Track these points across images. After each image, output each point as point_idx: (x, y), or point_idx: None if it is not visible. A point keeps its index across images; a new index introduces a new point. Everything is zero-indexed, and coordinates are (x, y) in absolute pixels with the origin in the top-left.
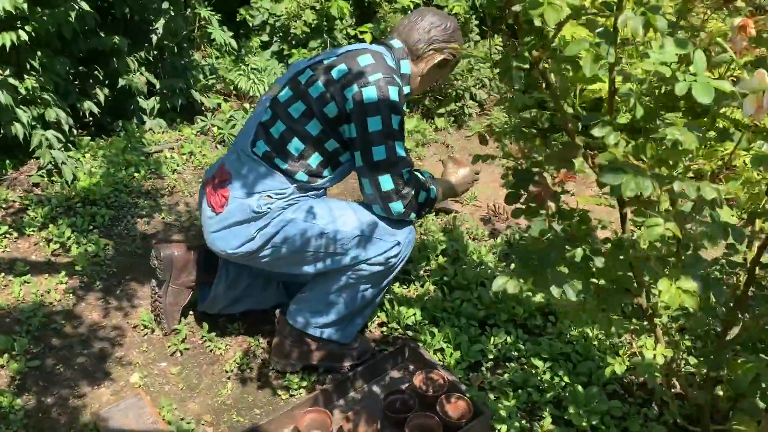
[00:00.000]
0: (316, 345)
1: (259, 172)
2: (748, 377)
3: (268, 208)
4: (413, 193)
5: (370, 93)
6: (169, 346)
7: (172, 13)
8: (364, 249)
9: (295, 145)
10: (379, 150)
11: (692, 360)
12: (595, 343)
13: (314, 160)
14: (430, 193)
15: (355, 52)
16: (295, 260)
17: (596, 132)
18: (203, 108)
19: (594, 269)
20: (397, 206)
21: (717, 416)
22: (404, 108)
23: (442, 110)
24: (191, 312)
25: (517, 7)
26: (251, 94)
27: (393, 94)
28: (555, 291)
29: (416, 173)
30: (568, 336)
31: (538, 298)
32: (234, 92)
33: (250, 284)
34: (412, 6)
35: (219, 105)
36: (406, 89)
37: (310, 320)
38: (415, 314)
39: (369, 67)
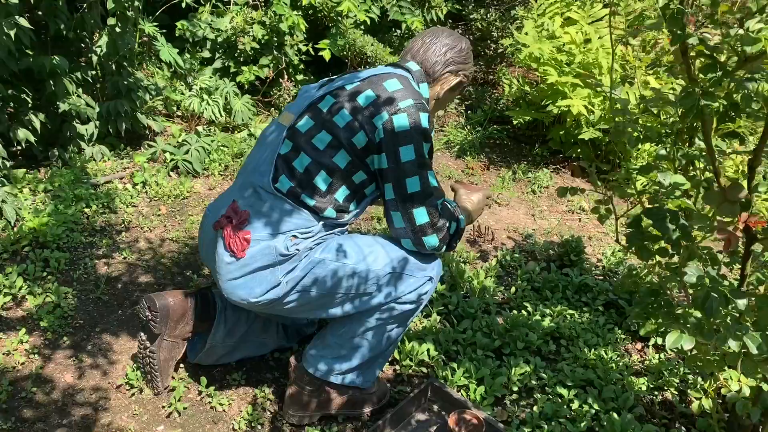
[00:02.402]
0: (336, 392)
1: (284, 209)
2: None
3: (296, 249)
4: (447, 225)
5: (401, 120)
6: (163, 407)
7: (118, 30)
8: (395, 287)
9: (323, 178)
10: (413, 181)
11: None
12: (612, 365)
13: (341, 194)
14: (460, 224)
15: (380, 77)
16: (322, 303)
17: None
18: (149, 132)
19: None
20: (431, 240)
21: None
22: (432, 133)
23: None
24: (182, 364)
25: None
26: (205, 116)
27: (424, 120)
28: (734, 344)
29: (447, 203)
30: (585, 360)
31: (547, 322)
32: (179, 114)
33: (249, 329)
34: (368, 21)
35: (165, 128)
36: None
37: (332, 367)
38: (428, 349)
39: (398, 93)
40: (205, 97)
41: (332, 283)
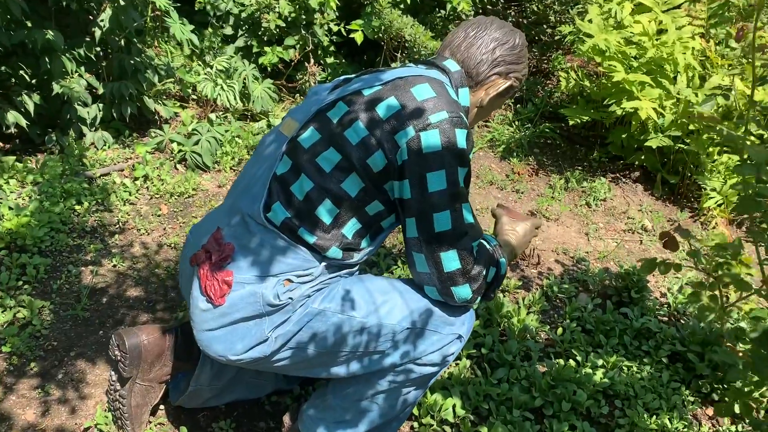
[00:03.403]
0: None
1: (276, 246)
2: None
3: (289, 298)
4: (484, 273)
5: (432, 139)
6: None
7: (122, 2)
8: (414, 345)
9: (328, 208)
10: (442, 217)
11: None
12: None
13: (350, 228)
14: (501, 269)
15: (407, 81)
16: (322, 362)
17: None
18: (158, 118)
19: None
20: (463, 291)
21: None
22: (471, 155)
23: None
24: (162, 406)
25: None
26: (219, 102)
27: (461, 139)
28: None
29: (484, 243)
30: (644, 429)
31: (599, 376)
32: (194, 98)
33: (241, 370)
34: (408, 0)
35: (176, 114)
36: None
37: None
38: (454, 405)
39: (429, 103)
40: (220, 81)
41: (334, 339)
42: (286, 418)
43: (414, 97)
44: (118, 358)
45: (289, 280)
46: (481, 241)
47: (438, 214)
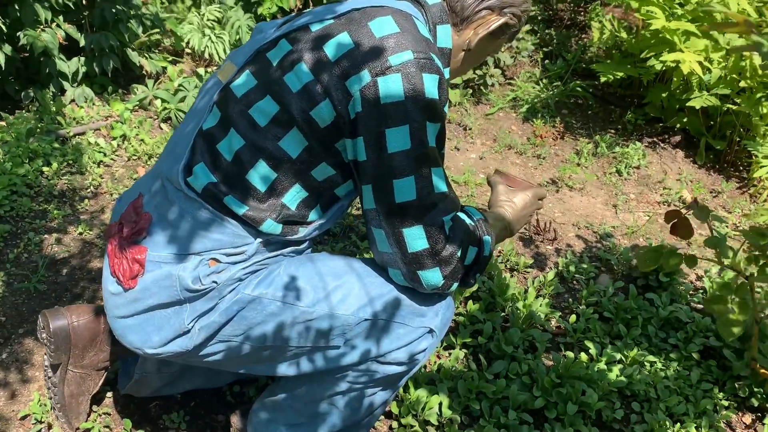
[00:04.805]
0: None
1: (199, 219)
2: None
3: (213, 282)
4: (458, 254)
5: (392, 86)
6: None
7: None
8: (376, 341)
9: (262, 172)
10: (404, 185)
11: None
12: None
13: (292, 196)
14: (483, 249)
15: (365, 13)
16: (262, 359)
17: None
18: (145, 73)
19: None
20: (432, 276)
21: None
22: (447, 109)
23: (457, 80)
24: (109, 394)
25: None
26: (206, 56)
27: (430, 87)
28: None
29: (462, 217)
30: None
31: (615, 373)
32: (189, 52)
33: None
34: None
35: (165, 69)
36: (445, 73)
37: None
38: (440, 403)
39: (391, 40)
40: (208, 32)
41: (274, 333)
42: (235, 419)
43: (372, 32)
44: (45, 341)
45: (216, 260)
46: (458, 214)
47: (399, 180)
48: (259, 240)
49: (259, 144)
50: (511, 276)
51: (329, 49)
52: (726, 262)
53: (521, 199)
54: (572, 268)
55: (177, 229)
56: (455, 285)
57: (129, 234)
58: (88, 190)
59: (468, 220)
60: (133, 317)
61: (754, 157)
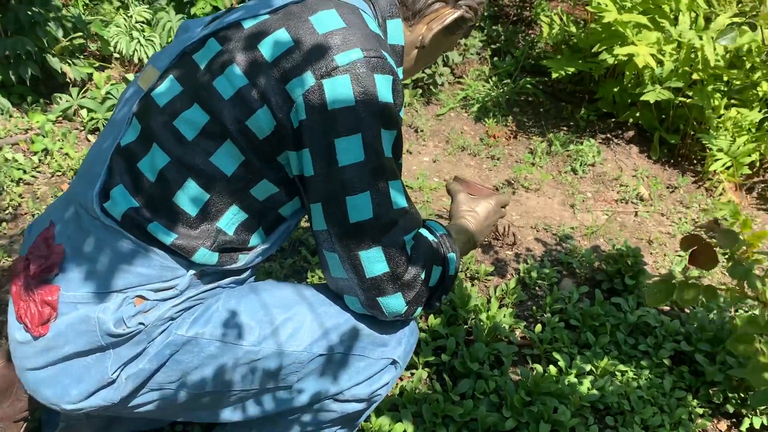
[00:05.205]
0: None
1: (119, 251)
2: None
3: (140, 324)
4: (422, 276)
5: (340, 89)
6: None
7: None
8: (333, 377)
9: (192, 193)
10: (359, 202)
11: None
12: None
13: (230, 220)
14: (449, 267)
15: (305, 6)
16: (203, 405)
17: None
18: (69, 80)
19: None
20: (393, 303)
21: None
22: (402, 113)
23: (406, 80)
24: None
25: None
26: (136, 60)
27: (384, 89)
28: None
29: (424, 234)
30: None
31: (586, 386)
32: (117, 57)
33: None
34: None
35: (91, 76)
36: (399, 73)
37: None
38: (404, 431)
39: (336, 37)
40: (136, 34)
41: (214, 378)
42: None
43: (314, 28)
44: None
45: (142, 297)
46: (419, 232)
47: (353, 197)
48: (191, 272)
49: (187, 160)
50: (472, 285)
51: (265, 49)
52: (749, 292)
53: (484, 208)
54: (534, 274)
55: (94, 263)
56: (419, 310)
57: (37, 271)
58: (6, 211)
59: (431, 237)
60: (46, 368)
61: (708, 150)
